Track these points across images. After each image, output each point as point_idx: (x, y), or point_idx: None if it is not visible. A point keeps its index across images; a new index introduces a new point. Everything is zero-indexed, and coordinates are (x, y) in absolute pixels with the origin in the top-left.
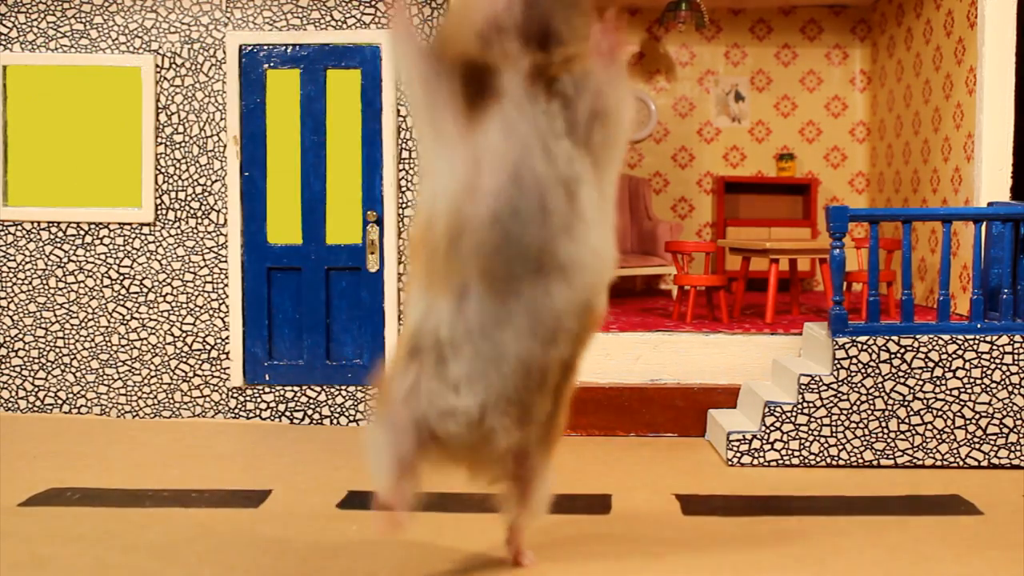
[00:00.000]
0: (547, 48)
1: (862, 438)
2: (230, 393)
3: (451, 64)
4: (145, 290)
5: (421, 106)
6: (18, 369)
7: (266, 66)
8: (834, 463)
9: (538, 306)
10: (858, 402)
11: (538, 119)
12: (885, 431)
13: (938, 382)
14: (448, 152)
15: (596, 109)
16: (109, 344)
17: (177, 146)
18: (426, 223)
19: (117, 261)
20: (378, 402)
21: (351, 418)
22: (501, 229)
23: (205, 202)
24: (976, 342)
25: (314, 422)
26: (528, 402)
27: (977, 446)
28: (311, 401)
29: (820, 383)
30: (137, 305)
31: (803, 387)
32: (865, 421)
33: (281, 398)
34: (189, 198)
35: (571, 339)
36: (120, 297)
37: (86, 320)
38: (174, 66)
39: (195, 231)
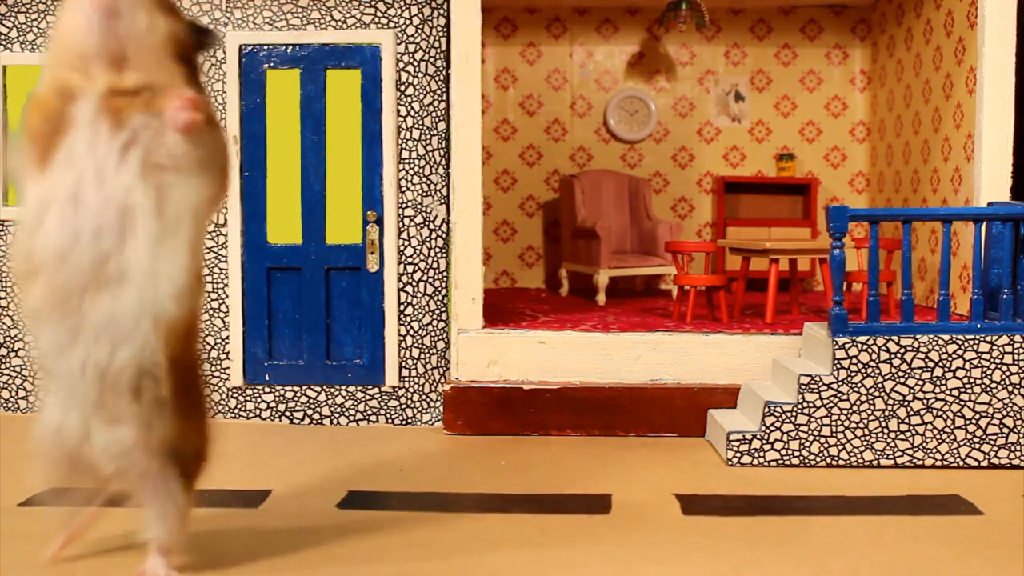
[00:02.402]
0: (120, 72)
1: (862, 438)
2: (230, 393)
3: (41, 114)
4: None
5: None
6: (18, 369)
7: (266, 66)
8: (834, 463)
9: (98, 315)
10: (858, 402)
11: (99, 146)
12: (885, 431)
13: (938, 382)
14: (29, 192)
15: (163, 155)
16: None
17: None
18: (20, 261)
19: None
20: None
21: (351, 418)
22: (61, 253)
23: None
24: (976, 342)
25: (314, 422)
26: (111, 403)
27: (977, 446)
28: (311, 401)
29: (820, 383)
30: None
31: (803, 387)
32: (865, 421)
33: (281, 398)
34: None
35: (139, 344)
36: None
37: None
38: None
39: None
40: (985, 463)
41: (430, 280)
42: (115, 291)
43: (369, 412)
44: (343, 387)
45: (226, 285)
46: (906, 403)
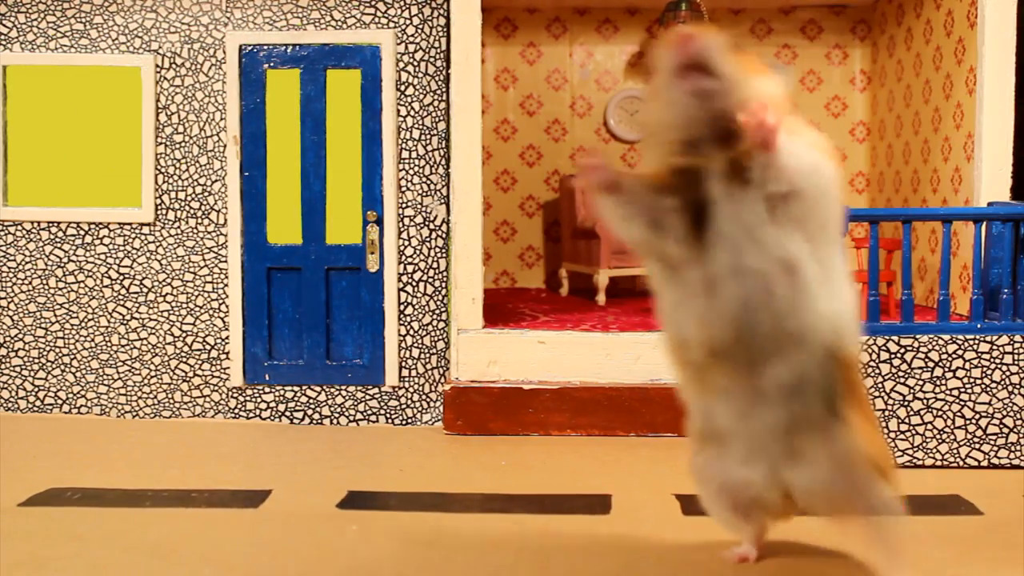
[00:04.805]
0: (732, 144)
1: None
2: (230, 393)
3: (661, 195)
4: (145, 290)
5: (648, 253)
6: (18, 369)
7: (266, 66)
8: None
9: (783, 377)
10: None
11: (742, 214)
12: (885, 431)
13: (938, 382)
14: (683, 283)
15: (785, 188)
16: (109, 344)
17: (177, 146)
18: (679, 345)
19: (117, 261)
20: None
21: (351, 418)
22: (739, 327)
23: (205, 202)
24: (976, 342)
25: (314, 422)
26: (797, 446)
27: (977, 446)
28: (311, 401)
29: None
30: (137, 305)
31: None
32: None
33: (281, 398)
34: (189, 198)
35: (819, 390)
36: (120, 297)
37: (86, 320)
38: (174, 66)
39: (195, 231)
40: (985, 463)
41: (430, 280)
42: (796, 348)
43: (369, 412)
44: (343, 387)
45: (226, 285)
46: (906, 403)
